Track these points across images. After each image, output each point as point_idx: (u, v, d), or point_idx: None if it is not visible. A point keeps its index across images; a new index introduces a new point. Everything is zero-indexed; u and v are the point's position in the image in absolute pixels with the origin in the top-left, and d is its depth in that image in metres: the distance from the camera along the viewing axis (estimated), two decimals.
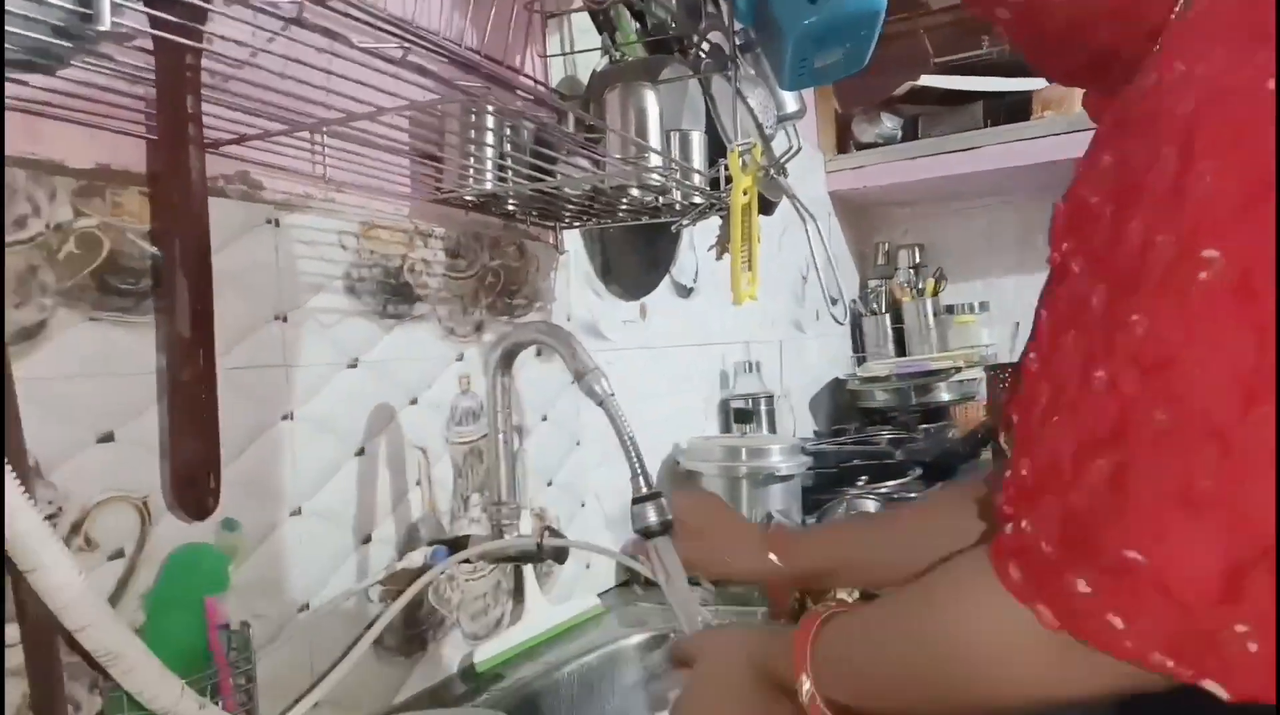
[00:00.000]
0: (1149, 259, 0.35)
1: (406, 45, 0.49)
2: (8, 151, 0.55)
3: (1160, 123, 0.36)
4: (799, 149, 1.18)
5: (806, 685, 0.48)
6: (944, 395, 1.99)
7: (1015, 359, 2.12)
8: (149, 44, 0.51)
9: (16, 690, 0.56)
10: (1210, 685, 0.33)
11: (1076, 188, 0.41)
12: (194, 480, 0.58)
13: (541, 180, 0.87)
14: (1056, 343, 0.39)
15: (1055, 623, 0.36)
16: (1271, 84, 0.34)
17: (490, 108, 0.79)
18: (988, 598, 0.39)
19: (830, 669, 0.49)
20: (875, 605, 0.50)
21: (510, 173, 0.87)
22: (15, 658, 0.55)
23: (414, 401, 0.88)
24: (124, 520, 0.63)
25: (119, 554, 0.62)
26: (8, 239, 0.56)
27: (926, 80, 2.03)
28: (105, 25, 0.35)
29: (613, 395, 0.83)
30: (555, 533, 0.93)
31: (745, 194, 0.99)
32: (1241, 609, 0.32)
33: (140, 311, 0.63)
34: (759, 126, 1.24)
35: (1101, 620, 0.35)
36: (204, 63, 0.60)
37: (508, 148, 0.86)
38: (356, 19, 0.49)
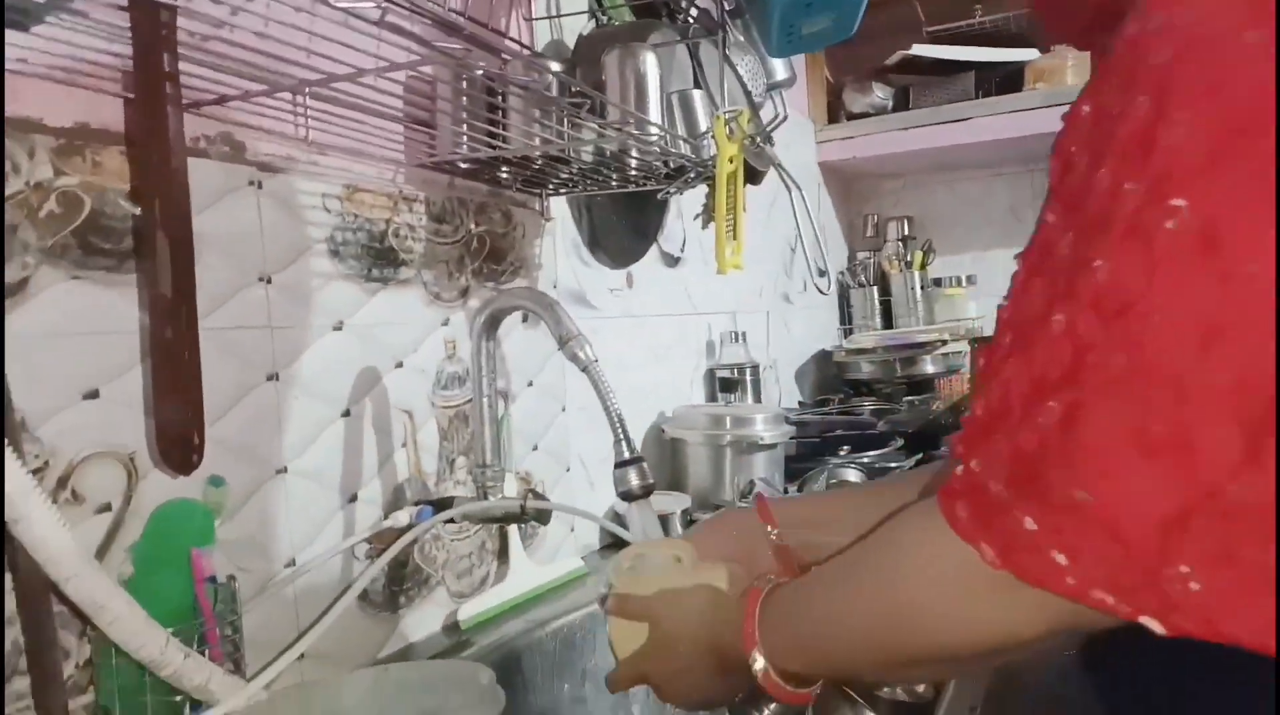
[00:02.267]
0: (1116, 206, 0.35)
1: (385, 5, 0.49)
2: None
3: (1137, 71, 0.36)
4: (785, 117, 1.18)
5: (759, 661, 0.49)
6: (929, 368, 2.00)
7: None
8: (124, 1, 0.51)
9: (7, 638, 0.57)
10: (1147, 621, 0.34)
11: (1060, 140, 0.42)
12: (178, 437, 0.59)
13: (533, 147, 0.87)
14: (1024, 288, 0.40)
15: (998, 561, 0.37)
16: (1249, 34, 0.34)
17: (479, 72, 0.79)
18: (934, 539, 0.40)
19: (780, 639, 0.49)
20: (821, 568, 0.50)
21: (503, 139, 0.87)
22: (10, 604, 0.57)
23: (399, 365, 0.89)
24: (111, 475, 0.64)
25: (106, 508, 0.63)
26: None
27: (918, 49, 2.02)
28: None
29: (596, 361, 0.84)
30: (539, 496, 0.95)
31: (731, 162, 1.00)
32: (1186, 551, 0.33)
33: (123, 271, 0.64)
34: (747, 94, 1.24)
35: (1045, 557, 0.35)
36: (184, 22, 0.60)
37: (501, 114, 0.86)
38: None
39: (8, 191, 0.57)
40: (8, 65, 0.54)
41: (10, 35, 0.51)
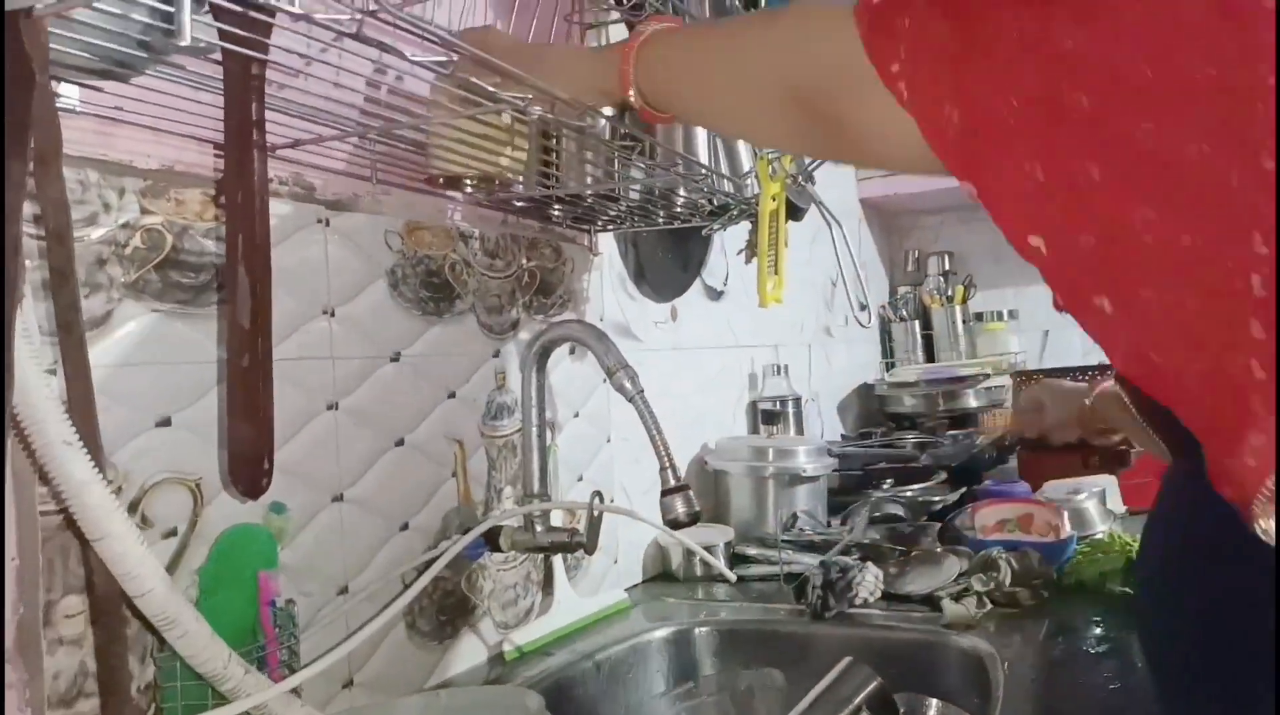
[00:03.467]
0: None
1: (454, 59, 0.52)
2: (84, 153, 0.59)
3: None
4: None
5: (633, 96, 0.58)
6: (971, 401, 1.99)
7: (1044, 366, 2.11)
8: (217, 54, 0.55)
9: (74, 659, 0.59)
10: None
11: None
12: (250, 461, 0.61)
13: (585, 187, 0.89)
14: None
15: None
16: None
17: (535, 116, 0.82)
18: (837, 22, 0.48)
19: (658, 73, 0.57)
20: (710, 22, 0.58)
21: (555, 179, 0.89)
22: (77, 627, 0.59)
23: (452, 395, 0.92)
24: (178, 500, 0.66)
25: (172, 532, 0.66)
26: (80, 233, 0.60)
27: None
28: (186, 40, 0.39)
29: (642, 392, 0.85)
30: (596, 514, 0.93)
31: (774, 200, 1.02)
32: None
33: (198, 304, 0.67)
34: None
35: (893, 44, 0.45)
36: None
37: (555, 155, 0.88)
38: (409, 32, 0.52)
39: (98, 233, 0.60)
40: (105, 113, 0.58)
41: (109, 85, 0.55)
